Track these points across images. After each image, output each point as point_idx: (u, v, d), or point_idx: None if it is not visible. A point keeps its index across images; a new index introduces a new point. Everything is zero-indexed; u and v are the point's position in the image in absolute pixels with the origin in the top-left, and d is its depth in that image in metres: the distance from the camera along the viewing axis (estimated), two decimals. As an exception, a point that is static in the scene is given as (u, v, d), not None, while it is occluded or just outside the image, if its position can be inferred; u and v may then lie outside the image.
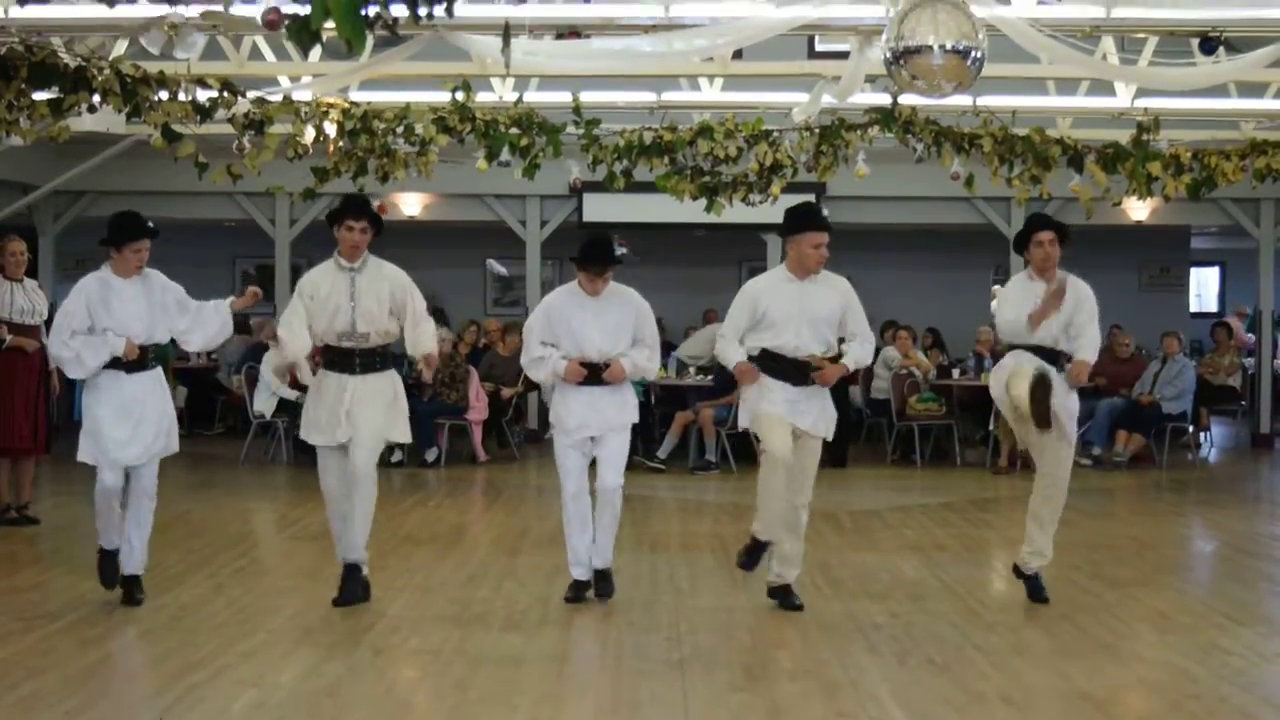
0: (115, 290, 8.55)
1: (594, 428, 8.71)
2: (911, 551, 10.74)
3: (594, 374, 8.68)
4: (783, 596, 8.59)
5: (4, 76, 10.82)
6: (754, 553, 8.58)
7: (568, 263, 9.14)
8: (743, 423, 8.76)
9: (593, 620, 8.36)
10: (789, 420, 8.37)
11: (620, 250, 8.90)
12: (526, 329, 8.99)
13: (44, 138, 12.38)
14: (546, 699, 6.67)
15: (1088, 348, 8.65)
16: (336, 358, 8.49)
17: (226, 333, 9.11)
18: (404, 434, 8.77)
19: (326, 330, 8.47)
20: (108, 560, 8.65)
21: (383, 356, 8.58)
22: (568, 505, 8.79)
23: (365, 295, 8.46)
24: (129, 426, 8.49)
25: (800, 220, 8.53)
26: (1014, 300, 8.71)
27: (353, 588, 8.52)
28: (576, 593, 8.76)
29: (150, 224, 8.71)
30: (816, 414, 8.48)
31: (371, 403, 8.43)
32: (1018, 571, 8.94)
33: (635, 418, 8.92)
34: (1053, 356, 8.63)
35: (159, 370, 8.78)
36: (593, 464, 8.83)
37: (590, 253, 8.72)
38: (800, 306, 8.43)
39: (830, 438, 8.69)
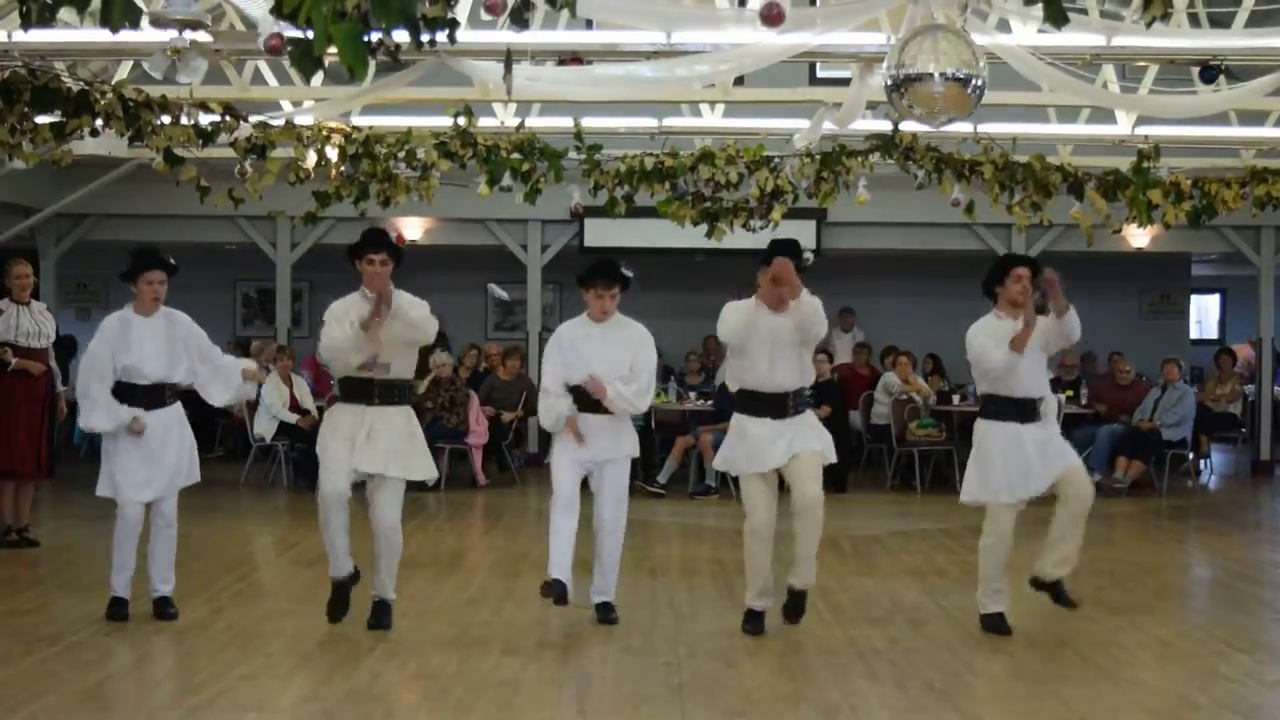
0: (134, 327, 8.67)
1: (590, 456, 8.73)
2: (911, 577, 10.74)
3: (590, 401, 8.72)
4: (790, 601, 8.62)
5: (7, 100, 10.84)
6: (753, 621, 8.63)
7: (569, 287, 9.16)
8: (718, 464, 8.82)
9: (592, 645, 8.36)
10: (772, 464, 8.41)
11: (627, 273, 8.92)
12: (545, 358, 8.98)
13: (46, 161, 12.41)
14: (546, 724, 6.70)
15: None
16: (354, 388, 8.36)
17: (245, 394, 9.22)
18: (427, 470, 8.60)
19: (348, 362, 8.38)
20: (116, 606, 8.69)
21: (400, 390, 8.45)
22: (555, 513, 8.75)
23: (388, 325, 8.30)
24: (147, 465, 8.62)
25: (766, 253, 8.47)
26: (998, 339, 8.58)
27: (382, 617, 8.54)
28: (553, 590, 8.59)
29: (170, 260, 8.80)
30: (804, 435, 8.46)
31: (389, 437, 8.30)
32: (1038, 583, 8.85)
33: (635, 450, 8.95)
34: (1030, 408, 8.58)
35: (178, 406, 8.87)
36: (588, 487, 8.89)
37: (595, 269, 8.84)
38: (772, 336, 8.40)
39: (831, 459, 8.64)
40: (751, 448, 8.47)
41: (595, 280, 8.77)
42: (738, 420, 8.62)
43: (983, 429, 8.74)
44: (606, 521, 8.79)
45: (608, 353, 8.72)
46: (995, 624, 8.59)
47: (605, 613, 8.83)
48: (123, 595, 8.70)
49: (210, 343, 8.96)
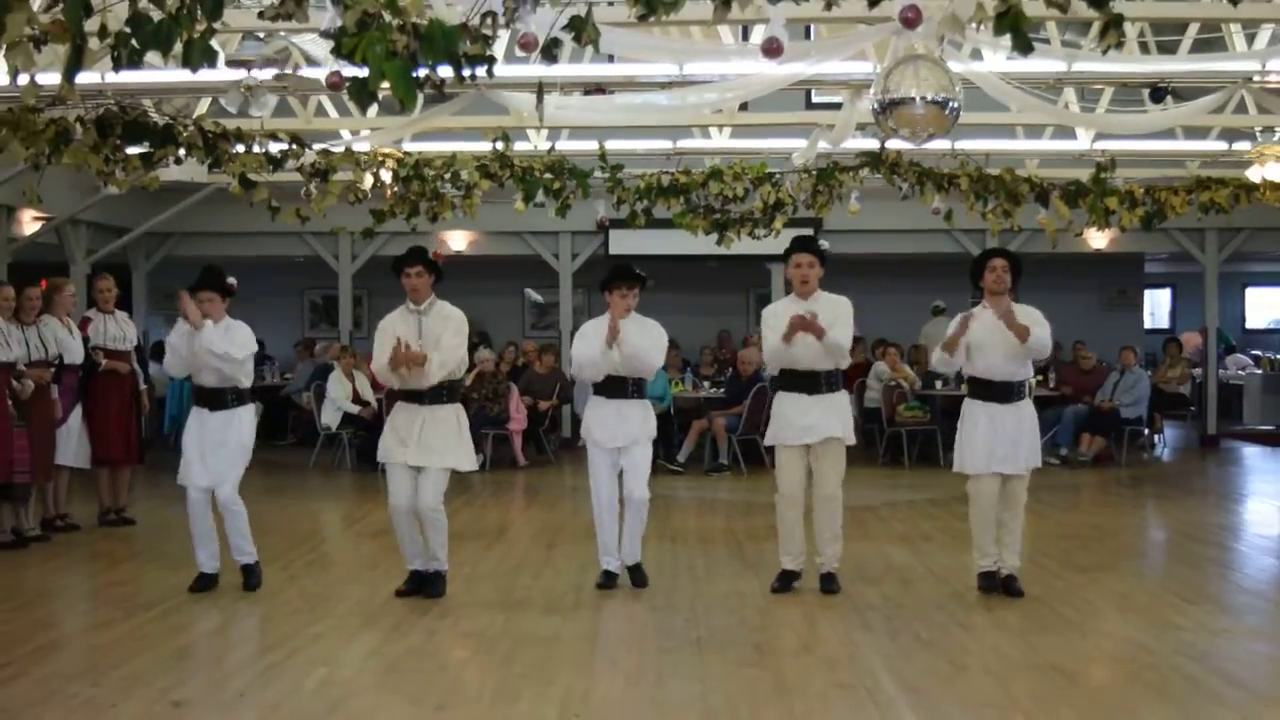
0: (194, 334, 8.67)
1: (620, 439, 8.74)
2: (901, 541, 10.73)
3: (618, 387, 8.74)
4: (822, 582, 8.63)
5: (102, 134, 10.87)
6: (783, 579, 8.67)
7: (596, 290, 9.16)
8: (768, 439, 8.81)
9: (621, 604, 8.38)
10: (805, 441, 8.46)
11: (643, 275, 8.95)
12: (575, 342, 9.05)
13: (136, 187, 12.45)
14: (581, 673, 6.70)
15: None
16: (407, 390, 8.44)
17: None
18: (470, 462, 8.52)
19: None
20: (198, 580, 8.72)
21: (449, 390, 8.45)
22: (599, 508, 8.84)
23: (431, 334, 8.38)
24: (199, 454, 8.64)
25: (788, 248, 8.79)
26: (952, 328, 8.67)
27: (435, 585, 8.51)
28: (606, 580, 8.80)
29: (228, 279, 8.88)
30: (831, 420, 8.50)
31: (439, 432, 8.32)
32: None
33: (654, 431, 8.96)
34: (1006, 390, 8.46)
35: (241, 410, 8.78)
36: (620, 473, 8.89)
37: (615, 273, 8.90)
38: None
39: (851, 441, 8.65)
40: (787, 420, 8.55)
41: (618, 283, 8.79)
42: (778, 397, 8.69)
43: (965, 407, 8.68)
44: (635, 500, 8.80)
45: (631, 342, 8.72)
46: (986, 581, 8.53)
47: (635, 573, 8.88)
48: (204, 570, 8.73)
49: (225, 346, 8.62)
